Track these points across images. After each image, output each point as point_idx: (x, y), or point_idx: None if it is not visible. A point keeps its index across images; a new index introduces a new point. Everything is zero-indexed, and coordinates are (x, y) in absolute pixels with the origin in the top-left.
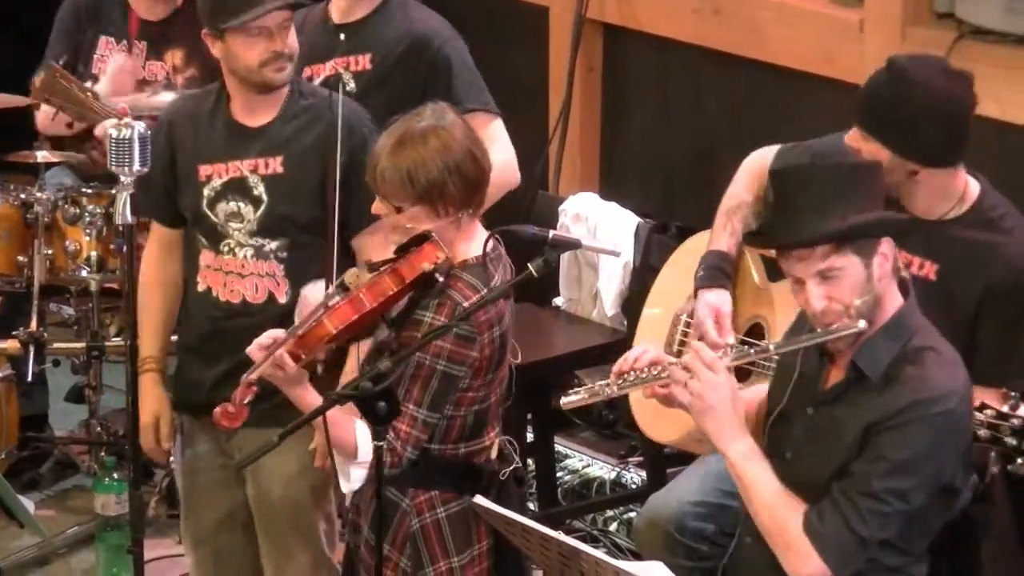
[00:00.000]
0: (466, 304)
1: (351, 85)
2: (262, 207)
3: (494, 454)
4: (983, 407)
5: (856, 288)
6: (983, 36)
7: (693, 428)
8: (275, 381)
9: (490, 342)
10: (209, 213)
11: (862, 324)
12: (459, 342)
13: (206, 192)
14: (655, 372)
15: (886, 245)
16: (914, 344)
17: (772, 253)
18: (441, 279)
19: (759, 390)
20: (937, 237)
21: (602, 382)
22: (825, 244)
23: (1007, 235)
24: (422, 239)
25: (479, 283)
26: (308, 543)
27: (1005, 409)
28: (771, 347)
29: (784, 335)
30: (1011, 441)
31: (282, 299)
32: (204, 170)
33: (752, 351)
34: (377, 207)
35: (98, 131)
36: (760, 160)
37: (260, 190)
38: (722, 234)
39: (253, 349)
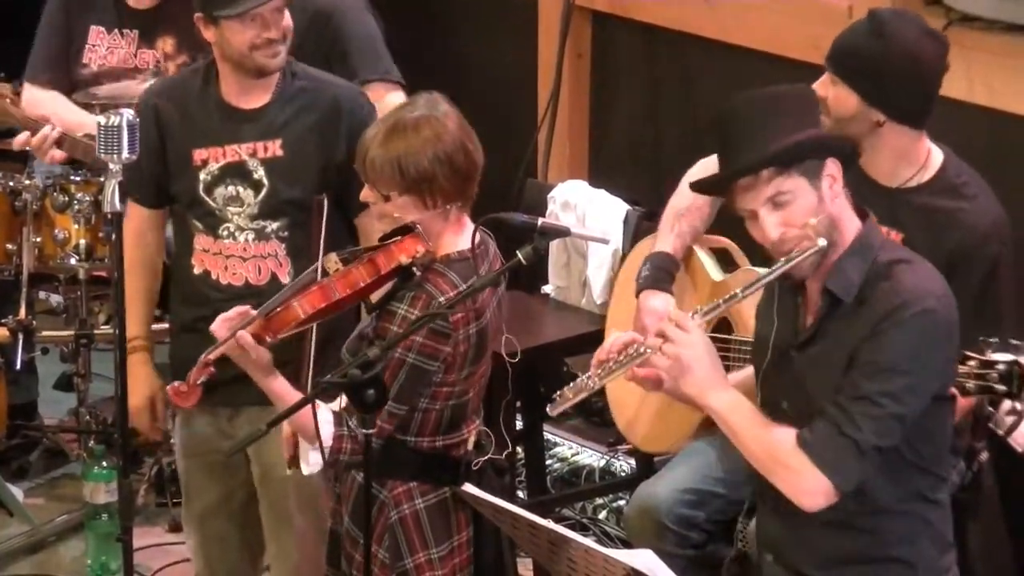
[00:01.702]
0: (442, 299)
1: None
2: (263, 191)
3: (471, 445)
4: (965, 359)
5: (808, 209)
6: (972, 23)
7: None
8: (239, 362)
9: (465, 339)
10: (206, 198)
11: (822, 242)
12: (432, 336)
13: (203, 177)
14: (631, 352)
15: (832, 166)
16: (882, 259)
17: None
18: (419, 272)
19: (745, 373)
20: (901, 206)
21: (583, 376)
22: (768, 167)
23: (969, 201)
24: (405, 230)
25: (458, 279)
26: (312, 518)
27: (986, 357)
28: (739, 292)
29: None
30: (1000, 387)
31: (285, 279)
32: (199, 154)
33: (720, 301)
34: (366, 194)
35: (16, 142)
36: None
37: (260, 174)
38: (668, 235)
39: (217, 325)
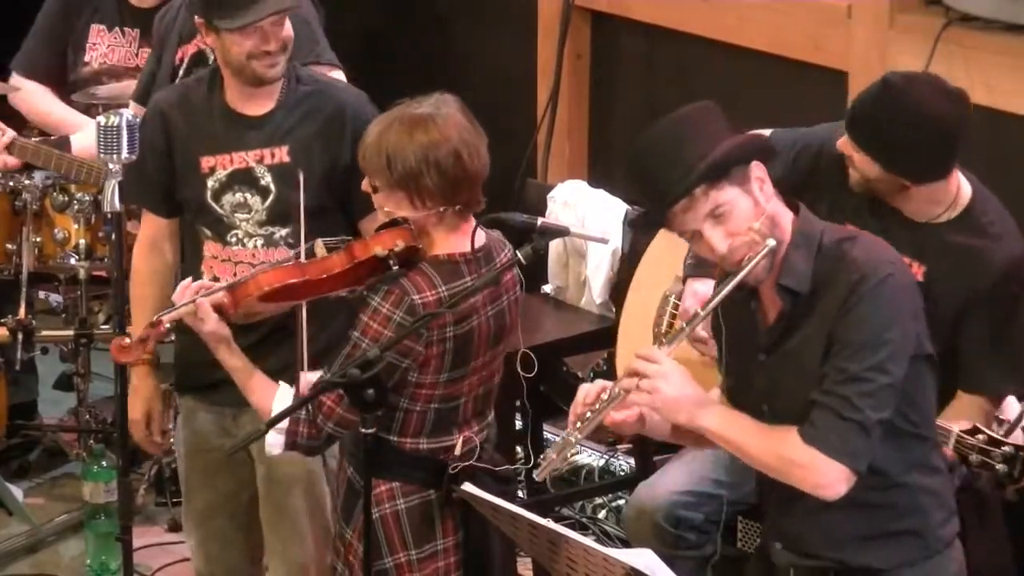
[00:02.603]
0: (415, 297)
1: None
2: (271, 197)
3: (458, 451)
4: (975, 431)
5: (748, 215)
6: (972, 23)
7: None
8: (197, 330)
9: (440, 340)
10: (214, 205)
11: (771, 242)
12: (398, 331)
13: (210, 184)
14: (605, 397)
15: (757, 169)
16: (826, 242)
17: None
18: (395, 266)
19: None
20: (927, 240)
21: (563, 433)
22: (699, 185)
23: (994, 240)
24: (394, 224)
25: (439, 280)
26: (316, 517)
27: (999, 435)
28: (700, 312)
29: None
30: (1002, 468)
31: None
32: (207, 162)
33: (685, 325)
34: (365, 184)
35: None
36: None
37: (268, 180)
38: None
39: (178, 292)
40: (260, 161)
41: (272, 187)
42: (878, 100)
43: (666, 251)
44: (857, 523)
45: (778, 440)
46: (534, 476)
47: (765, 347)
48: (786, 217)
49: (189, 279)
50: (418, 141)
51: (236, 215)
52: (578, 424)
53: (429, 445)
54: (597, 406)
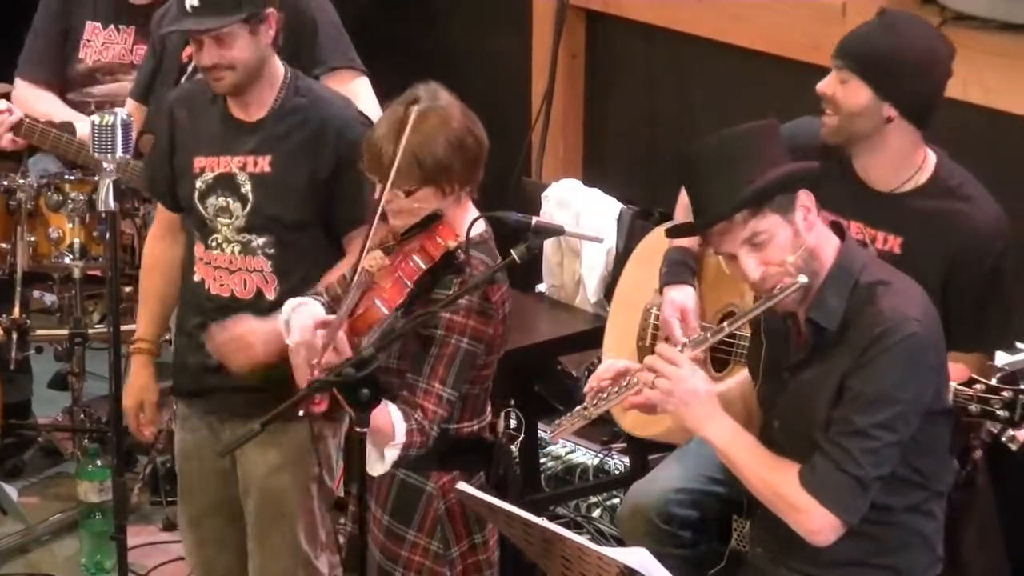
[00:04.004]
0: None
1: None
2: (248, 205)
3: (500, 428)
4: (972, 381)
5: (786, 246)
6: (967, 22)
7: (672, 425)
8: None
9: (502, 319)
10: (200, 206)
11: (803, 279)
12: (479, 319)
13: (198, 185)
14: (624, 383)
15: (804, 197)
16: (863, 282)
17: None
18: (462, 256)
19: (735, 379)
20: (899, 210)
21: (579, 407)
22: (741, 211)
23: (967, 202)
24: (432, 219)
25: (489, 259)
26: (286, 535)
27: (993, 382)
28: (725, 326)
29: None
30: (1003, 413)
31: (270, 295)
32: (199, 162)
33: (708, 335)
34: (387, 196)
35: None
36: None
37: (247, 188)
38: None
39: (308, 336)
40: (243, 168)
41: (251, 196)
42: (876, 28)
43: (644, 264)
44: (842, 549)
45: (779, 476)
46: (548, 437)
47: (790, 367)
48: (828, 248)
49: (311, 321)
50: (438, 131)
51: (218, 219)
52: (594, 401)
53: (479, 425)
54: (615, 390)
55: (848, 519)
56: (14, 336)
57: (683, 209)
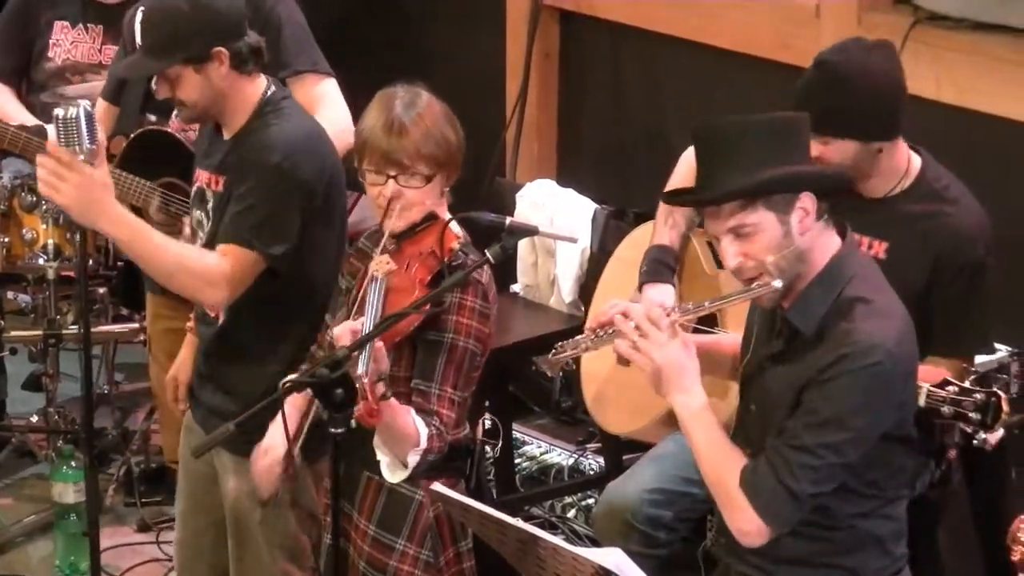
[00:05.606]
0: (483, 280)
1: None
2: (211, 222)
3: (479, 432)
4: (945, 383)
5: (771, 245)
6: (940, 21)
7: (647, 422)
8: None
9: (495, 319)
10: (192, 215)
11: (777, 283)
12: (481, 320)
13: (192, 194)
14: (610, 331)
15: (806, 199)
16: (847, 295)
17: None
18: (467, 256)
19: (722, 337)
20: (885, 215)
21: (579, 337)
22: (732, 201)
23: (952, 204)
24: (430, 219)
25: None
26: (260, 556)
27: (967, 384)
28: (706, 303)
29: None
30: (975, 416)
31: (217, 317)
32: (196, 172)
33: (691, 307)
34: (395, 190)
35: None
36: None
37: (210, 206)
38: (663, 228)
39: (347, 342)
40: (209, 185)
41: (211, 213)
42: (824, 84)
43: (626, 264)
44: (798, 547)
45: (728, 466)
46: (539, 361)
47: (770, 355)
48: (823, 251)
49: (347, 324)
50: (443, 120)
51: (198, 231)
52: (592, 336)
53: (464, 431)
54: (602, 333)
55: (777, 528)
56: None
57: (678, 176)
